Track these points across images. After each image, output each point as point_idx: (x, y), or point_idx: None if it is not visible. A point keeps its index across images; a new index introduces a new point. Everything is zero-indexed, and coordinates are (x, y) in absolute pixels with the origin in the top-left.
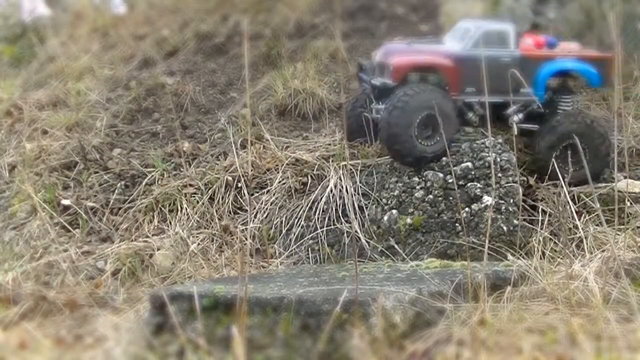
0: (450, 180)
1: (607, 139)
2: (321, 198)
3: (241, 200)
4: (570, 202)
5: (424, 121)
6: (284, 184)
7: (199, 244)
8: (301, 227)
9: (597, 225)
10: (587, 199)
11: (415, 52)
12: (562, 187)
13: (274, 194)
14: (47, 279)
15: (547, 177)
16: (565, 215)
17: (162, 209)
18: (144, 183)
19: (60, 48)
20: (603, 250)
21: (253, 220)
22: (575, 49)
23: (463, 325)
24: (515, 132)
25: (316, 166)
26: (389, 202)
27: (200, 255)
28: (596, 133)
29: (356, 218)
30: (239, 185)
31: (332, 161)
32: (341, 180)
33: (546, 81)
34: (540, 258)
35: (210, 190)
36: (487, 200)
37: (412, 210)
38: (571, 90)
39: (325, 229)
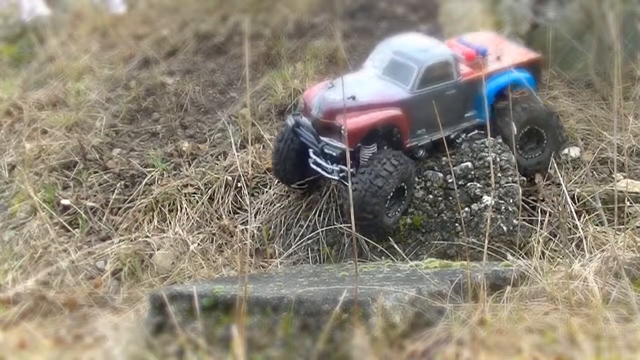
0: (450, 180)
1: (562, 127)
2: (321, 198)
3: (241, 200)
4: (570, 202)
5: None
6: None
7: (198, 244)
8: (301, 227)
9: (597, 225)
10: (587, 198)
11: (365, 109)
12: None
13: (273, 194)
14: (47, 278)
15: None
16: (565, 215)
17: (162, 208)
18: (143, 183)
19: (60, 48)
20: (603, 250)
21: (253, 220)
22: (491, 37)
23: (462, 325)
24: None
25: None
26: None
27: (200, 255)
28: (556, 121)
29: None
30: (239, 185)
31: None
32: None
33: (491, 101)
34: (540, 258)
35: (210, 190)
36: (487, 200)
37: (411, 210)
38: (506, 97)
39: (324, 229)
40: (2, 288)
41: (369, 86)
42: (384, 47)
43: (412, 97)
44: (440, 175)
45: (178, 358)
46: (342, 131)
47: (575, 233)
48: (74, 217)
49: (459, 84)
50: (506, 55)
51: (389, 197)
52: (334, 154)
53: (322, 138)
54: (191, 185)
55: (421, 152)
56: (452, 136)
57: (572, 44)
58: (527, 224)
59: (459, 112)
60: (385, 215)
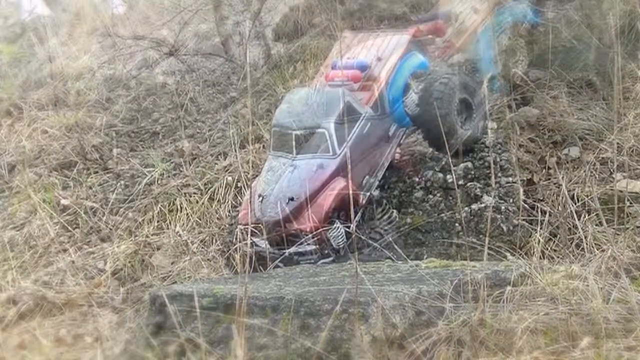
0: (450, 180)
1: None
2: None
3: (241, 200)
4: (570, 202)
5: None
6: None
7: (198, 244)
8: None
9: (596, 225)
10: (586, 199)
11: (311, 200)
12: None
13: None
14: (47, 278)
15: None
16: (565, 215)
17: (162, 208)
18: (143, 183)
19: (60, 48)
20: (603, 250)
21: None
22: (351, 38)
23: (462, 325)
24: (517, 132)
25: None
26: (389, 202)
27: (200, 255)
28: (478, 85)
29: (356, 218)
30: (239, 185)
31: None
32: None
33: (403, 105)
34: (540, 258)
35: (210, 190)
36: (487, 200)
37: (412, 210)
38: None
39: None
40: (2, 288)
41: (296, 177)
42: (276, 131)
43: (341, 159)
44: (440, 175)
45: (178, 358)
46: (306, 235)
47: (575, 233)
48: (74, 217)
49: (369, 115)
50: (384, 50)
51: None
52: (312, 260)
53: (289, 250)
54: (191, 185)
55: (376, 192)
56: (391, 160)
57: (572, 44)
58: (527, 224)
59: (385, 135)
60: None
